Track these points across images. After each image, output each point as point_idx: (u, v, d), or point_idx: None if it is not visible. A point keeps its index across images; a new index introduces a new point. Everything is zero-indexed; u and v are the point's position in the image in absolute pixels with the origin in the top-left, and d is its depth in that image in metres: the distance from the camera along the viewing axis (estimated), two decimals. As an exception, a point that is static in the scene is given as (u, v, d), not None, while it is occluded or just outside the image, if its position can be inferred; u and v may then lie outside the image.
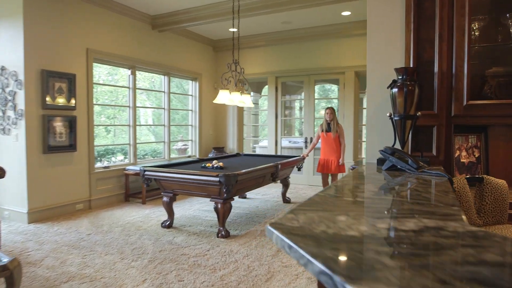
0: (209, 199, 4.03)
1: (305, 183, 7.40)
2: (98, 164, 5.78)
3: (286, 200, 5.80)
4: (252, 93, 9.84)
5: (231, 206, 4.01)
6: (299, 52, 7.33)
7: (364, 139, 7.30)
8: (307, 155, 5.96)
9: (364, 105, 15.18)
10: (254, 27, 6.98)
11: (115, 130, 8.04)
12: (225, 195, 3.74)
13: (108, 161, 6.88)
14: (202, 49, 7.88)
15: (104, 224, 4.52)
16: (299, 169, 5.71)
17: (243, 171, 3.94)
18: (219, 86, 5.23)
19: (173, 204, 4.34)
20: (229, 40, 7.91)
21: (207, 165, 4.50)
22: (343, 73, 6.96)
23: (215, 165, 4.42)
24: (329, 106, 5.95)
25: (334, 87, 9.52)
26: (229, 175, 3.65)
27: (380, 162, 2.35)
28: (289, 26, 6.92)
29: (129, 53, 6.02)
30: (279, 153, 7.70)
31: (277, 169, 4.66)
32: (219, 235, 3.97)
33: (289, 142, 9.76)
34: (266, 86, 7.96)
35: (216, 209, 3.93)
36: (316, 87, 7.58)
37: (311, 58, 7.22)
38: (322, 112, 7.11)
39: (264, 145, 10.12)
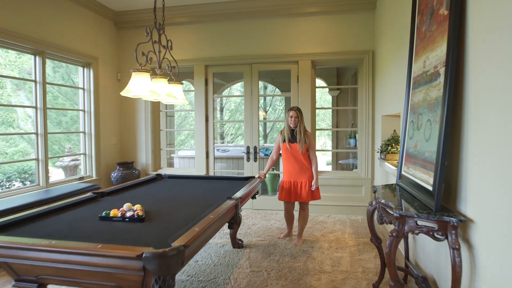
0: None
1: (247, 207, 5.61)
2: None
3: (237, 244, 3.92)
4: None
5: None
6: (237, 33, 5.51)
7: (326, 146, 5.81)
8: (265, 176, 4.18)
9: (326, 104, 13.59)
10: (177, -8, 4.94)
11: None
12: (156, 291, 1.73)
13: None
14: (99, 23, 5.50)
15: None
16: (254, 198, 3.88)
17: (190, 234, 1.96)
18: (133, 70, 3.12)
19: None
20: (137, 13, 5.67)
21: (112, 213, 2.37)
22: (296, 63, 5.37)
23: (128, 215, 2.34)
24: (293, 106, 4.27)
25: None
26: (167, 254, 1.64)
27: None
28: (225, -5, 5.06)
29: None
30: (211, 168, 5.75)
31: (237, 209, 2.78)
32: None
33: (218, 150, 7.86)
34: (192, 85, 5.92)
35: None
36: (265, 81, 5.82)
37: (254, 42, 5.47)
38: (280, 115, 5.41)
39: (183, 155, 8.02)
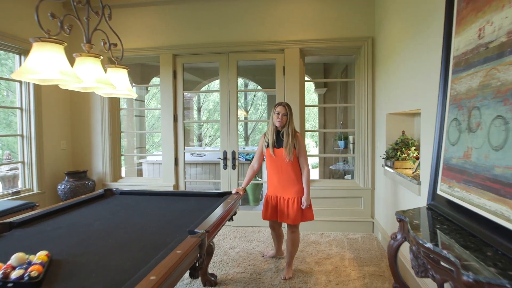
0: None
1: (225, 223, 4.69)
2: None
3: (209, 282, 3.00)
4: (133, 85, 6.66)
5: None
6: (212, 16, 4.61)
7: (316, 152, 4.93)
8: (244, 191, 3.29)
9: (316, 101, 12.49)
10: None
11: None
12: None
13: None
14: None
15: None
16: (230, 220, 2.97)
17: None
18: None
19: None
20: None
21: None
22: (282, 51, 4.51)
23: (14, 277, 1.40)
24: (282, 101, 3.39)
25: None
26: None
27: None
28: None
29: None
30: (181, 177, 4.82)
31: (202, 250, 1.88)
32: None
33: (193, 155, 6.92)
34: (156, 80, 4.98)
35: None
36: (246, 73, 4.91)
37: (232, 27, 4.58)
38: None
39: (153, 160, 7.05)
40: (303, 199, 3.14)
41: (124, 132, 5.40)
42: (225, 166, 4.69)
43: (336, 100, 8.23)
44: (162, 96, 4.79)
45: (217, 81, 14.11)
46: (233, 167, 4.67)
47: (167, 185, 4.76)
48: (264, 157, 3.35)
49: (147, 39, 4.72)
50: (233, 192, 3.16)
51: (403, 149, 3.42)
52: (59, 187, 4.53)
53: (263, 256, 3.68)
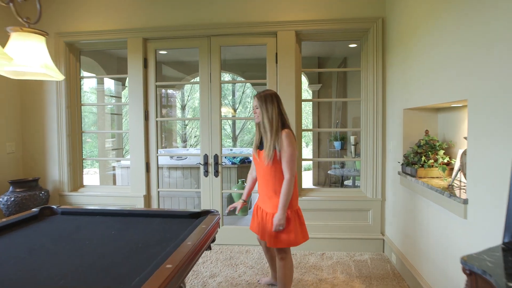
0: None
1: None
2: None
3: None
4: (98, 76, 5.81)
5: None
6: (189, -9, 3.83)
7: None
8: (246, 202, 2.63)
9: (307, 96, 11.65)
10: None
11: None
12: None
13: None
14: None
15: None
16: (208, 249, 2.20)
17: None
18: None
19: None
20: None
21: None
22: (274, 35, 3.76)
23: None
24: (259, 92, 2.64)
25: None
26: None
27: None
28: None
29: None
30: (153, 186, 4.02)
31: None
32: None
33: (172, 158, 6.12)
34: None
35: None
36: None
37: (214, 6, 3.80)
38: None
39: (128, 165, 6.20)
40: (275, 218, 2.40)
41: (86, 132, 4.57)
42: (206, 173, 3.91)
43: (332, 97, 7.52)
44: (131, 88, 3.98)
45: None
46: (216, 173, 3.90)
47: (137, 195, 3.97)
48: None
49: (112, 20, 3.91)
50: (229, 209, 2.52)
51: (429, 153, 2.70)
52: (1, 199, 3.69)
53: (258, 281, 2.96)
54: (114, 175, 6.44)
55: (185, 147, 11.58)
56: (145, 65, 3.96)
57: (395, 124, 3.27)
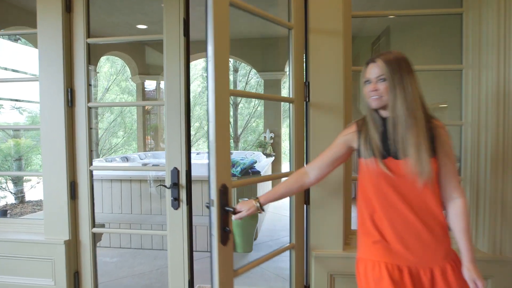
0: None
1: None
2: None
3: None
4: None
5: None
6: None
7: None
8: (262, 209, 1.48)
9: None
10: None
11: None
12: None
13: None
14: None
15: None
16: None
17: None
18: None
19: None
20: None
21: None
22: None
23: None
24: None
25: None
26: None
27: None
28: None
29: None
30: (83, 223, 2.24)
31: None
32: None
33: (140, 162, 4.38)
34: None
35: None
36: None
37: None
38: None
39: (100, 175, 4.43)
40: (466, 267, 1.29)
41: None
42: (175, 203, 2.13)
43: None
44: (41, 50, 2.22)
45: (196, 62, 11.36)
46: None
47: (53, 241, 2.21)
48: (360, 172, 1.42)
49: None
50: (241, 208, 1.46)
51: None
52: None
53: None
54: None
55: (150, 150, 8.53)
56: (68, 9, 2.20)
57: None
